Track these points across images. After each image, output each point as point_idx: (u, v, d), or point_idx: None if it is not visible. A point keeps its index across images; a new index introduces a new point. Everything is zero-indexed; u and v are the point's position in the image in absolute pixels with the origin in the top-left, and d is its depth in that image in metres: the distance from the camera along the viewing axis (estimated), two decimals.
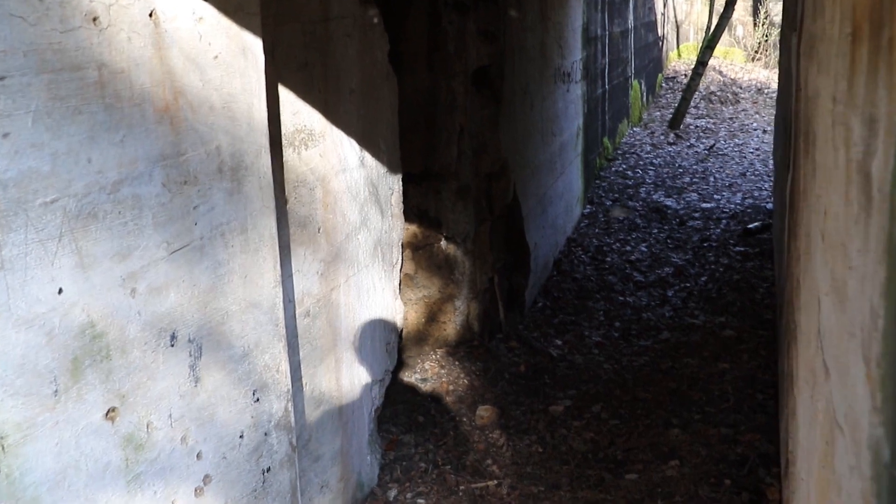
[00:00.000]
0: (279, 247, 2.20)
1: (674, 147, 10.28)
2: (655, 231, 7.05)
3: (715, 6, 12.63)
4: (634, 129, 11.61)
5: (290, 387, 2.23)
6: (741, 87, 16.56)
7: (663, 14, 17.44)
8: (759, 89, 16.38)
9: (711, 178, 8.63)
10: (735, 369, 4.27)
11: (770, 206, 7.52)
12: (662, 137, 10.93)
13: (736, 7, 11.14)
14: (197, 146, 1.80)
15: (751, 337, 4.72)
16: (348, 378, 2.96)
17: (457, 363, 4.57)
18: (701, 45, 12.03)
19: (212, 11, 1.86)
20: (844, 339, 1.13)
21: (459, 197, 4.57)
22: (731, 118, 12.93)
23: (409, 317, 4.67)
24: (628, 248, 6.64)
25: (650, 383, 4.24)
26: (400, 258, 3.59)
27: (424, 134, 4.40)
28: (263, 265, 2.07)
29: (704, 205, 7.67)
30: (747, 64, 18.94)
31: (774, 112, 6.92)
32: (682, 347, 4.66)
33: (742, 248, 6.49)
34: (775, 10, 19.77)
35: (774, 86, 16.64)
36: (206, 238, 1.83)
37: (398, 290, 3.62)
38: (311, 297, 2.61)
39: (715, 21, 12.62)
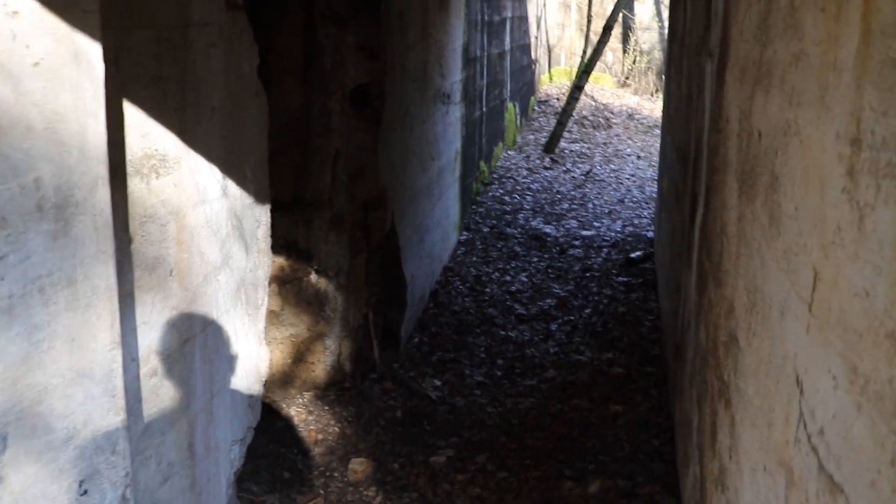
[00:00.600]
0: (120, 296, 1.83)
1: (550, 172, 10.30)
2: (536, 260, 6.94)
3: (589, 33, 12.85)
4: (509, 152, 11.60)
5: (129, 469, 1.85)
6: (613, 113, 16.98)
7: (536, 38, 17.73)
8: (630, 115, 16.83)
9: (590, 205, 8.65)
10: (628, 412, 4.14)
11: (651, 234, 7.57)
12: (538, 161, 10.95)
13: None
14: (6, 178, 1.43)
15: (640, 375, 4.62)
16: (203, 442, 2.58)
17: (327, 408, 4.23)
18: (577, 69, 12.20)
19: (32, 5, 1.49)
20: (870, 450, 0.91)
21: (333, 227, 4.26)
22: (604, 143, 13.16)
23: (275, 357, 4.29)
24: (508, 277, 6.49)
25: (539, 429, 4.03)
26: (266, 298, 3.24)
27: (296, 158, 4.06)
28: (97, 324, 1.70)
29: (584, 232, 7.65)
30: (618, 90, 19.53)
31: (660, 140, 6.97)
32: (570, 387, 4.50)
33: (625, 279, 6.46)
34: (644, 38, 20.52)
35: (645, 111, 17.16)
36: (17, 296, 1.45)
37: (263, 334, 3.26)
38: (160, 354, 2.24)
39: (590, 47, 12.85)
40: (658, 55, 21.14)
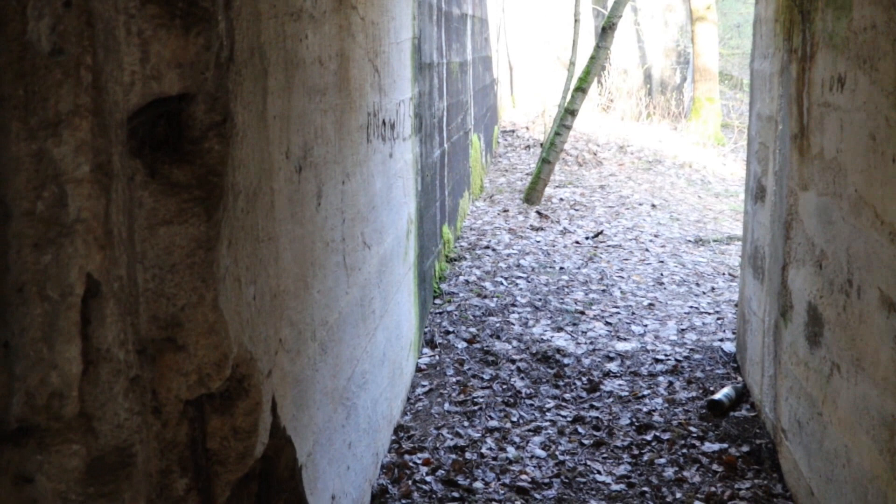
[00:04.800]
0: None
1: (542, 234, 7.85)
2: (551, 404, 4.44)
3: (577, 38, 10.56)
4: (478, 203, 9.15)
5: None
6: (599, 144, 14.74)
7: (497, 51, 15.46)
8: (621, 146, 14.61)
9: (616, 291, 6.20)
10: None
11: (730, 346, 5.12)
12: (521, 218, 8.51)
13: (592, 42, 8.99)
14: None
15: None
16: None
17: None
18: (569, 84, 9.86)
19: None
20: None
21: (101, 479, 1.71)
22: (600, 186, 10.82)
23: None
24: (510, 450, 3.98)
25: None
26: None
27: None
28: None
29: (621, 345, 5.17)
30: (597, 114, 17.31)
31: (749, 176, 4.54)
32: None
33: (717, 446, 4.00)
34: (621, 50, 18.39)
35: (637, 141, 14.97)
36: None
37: None
38: None
39: (579, 53, 10.53)
40: (638, 72, 19.08)
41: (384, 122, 3.79)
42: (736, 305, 5.79)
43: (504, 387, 4.62)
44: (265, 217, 2.11)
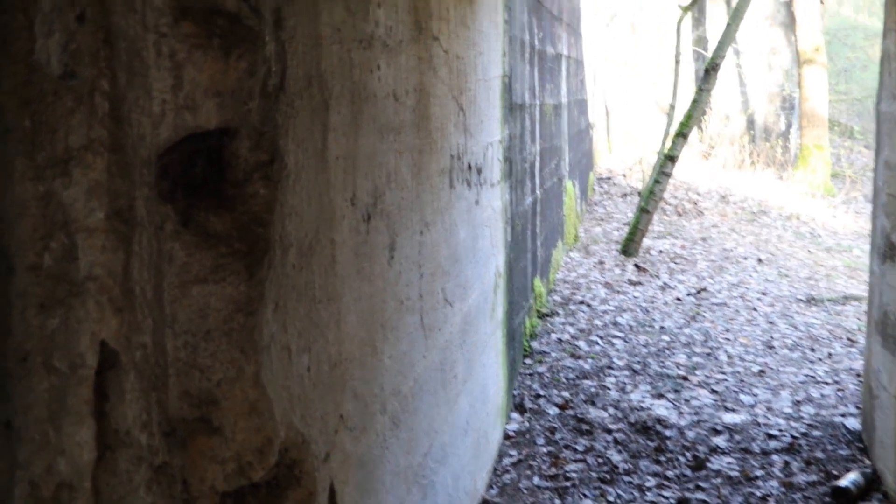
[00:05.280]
0: None
1: (640, 289, 7.46)
2: (652, 483, 4.04)
3: (677, 80, 10.20)
4: (572, 254, 8.81)
5: None
6: (699, 194, 14.25)
7: (592, 94, 15.18)
8: (723, 196, 14.09)
9: (722, 355, 5.76)
10: None
11: (855, 423, 4.65)
12: (618, 271, 8.13)
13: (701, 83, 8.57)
14: None
15: None
16: None
17: None
18: (668, 129, 9.50)
19: None
20: None
21: None
22: (702, 238, 10.36)
23: None
24: None
25: None
26: None
27: None
28: None
29: (729, 417, 4.74)
30: (697, 161, 16.80)
31: (877, 232, 4.11)
32: None
33: None
34: (723, 93, 17.89)
35: (740, 191, 14.42)
36: None
37: None
38: None
39: (679, 93, 10.16)
40: (741, 118, 18.49)
41: (470, 166, 3.53)
42: (858, 376, 5.31)
43: (599, 460, 4.25)
44: (324, 274, 1.85)
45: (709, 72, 8.30)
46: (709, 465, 4.21)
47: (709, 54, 10.18)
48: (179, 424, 1.53)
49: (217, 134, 1.51)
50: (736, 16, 8.08)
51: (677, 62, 10.00)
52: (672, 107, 9.88)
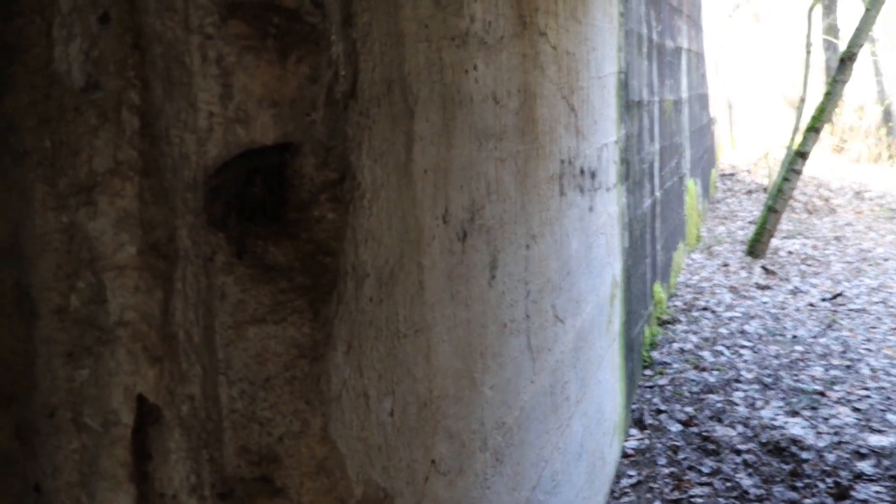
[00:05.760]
0: None
1: (769, 294, 6.99)
2: None
3: (808, 71, 9.59)
4: (694, 256, 8.37)
5: None
6: (831, 190, 13.49)
7: (713, 88, 14.56)
8: (858, 192, 13.30)
9: (864, 368, 5.29)
10: None
11: None
12: (744, 274, 7.66)
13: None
14: None
15: None
16: None
17: None
18: (798, 124, 8.94)
19: None
20: None
21: None
22: (835, 237, 9.73)
23: None
24: None
25: None
26: None
27: None
28: None
29: (875, 439, 4.31)
30: (827, 156, 15.93)
31: None
32: None
33: None
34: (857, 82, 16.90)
35: (877, 187, 13.58)
36: None
37: None
38: None
39: (809, 85, 9.55)
40: (876, 109, 17.41)
41: (582, 171, 3.25)
42: None
43: (727, 484, 3.91)
44: (409, 303, 1.62)
45: (844, 62, 7.73)
46: (853, 493, 3.81)
47: (840, 43, 9.53)
48: (237, 485, 1.32)
49: (276, 150, 1.30)
50: (876, 1, 7.50)
51: (808, 52, 9.42)
52: (802, 100, 9.31)
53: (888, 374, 5.16)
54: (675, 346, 5.60)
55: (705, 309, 6.45)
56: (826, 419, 4.52)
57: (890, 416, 4.56)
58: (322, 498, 1.36)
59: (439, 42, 1.76)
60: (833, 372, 5.20)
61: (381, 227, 1.49)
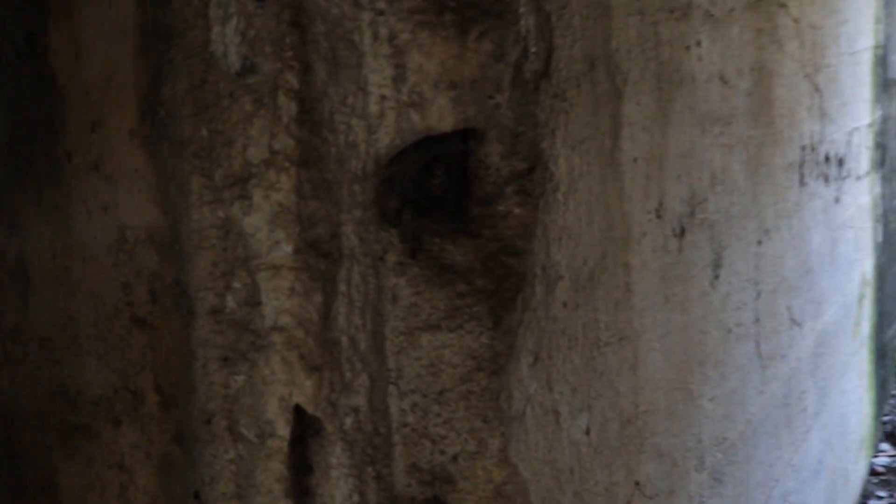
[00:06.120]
0: None
1: None
2: None
3: None
4: None
5: None
6: None
7: None
8: None
9: None
10: None
11: None
12: None
13: None
14: None
15: None
16: None
17: None
18: None
19: None
20: None
21: None
22: None
23: None
24: None
25: None
26: None
27: None
28: None
29: None
30: None
31: None
32: None
33: None
34: None
35: None
36: None
37: None
38: None
39: None
40: None
41: (827, 158, 2.90)
42: None
43: None
44: (612, 308, 1.43)
45: None
46: None
47: None
48: None
49: (457, 137, 1.15)
50: None
51: None
52: None
53: None
54: None
55: None
56: None
57: None
58: None
59: (655, 14, 1.55)
60: None
61: (579, 223, 1.31)
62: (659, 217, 1.62)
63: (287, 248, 1.01)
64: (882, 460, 3.92)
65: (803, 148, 2.58)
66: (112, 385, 1.23)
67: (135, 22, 1.06)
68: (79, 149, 1.18)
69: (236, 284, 1.04)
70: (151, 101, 1.07)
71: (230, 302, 1.05)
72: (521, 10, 1.13)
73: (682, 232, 1.73)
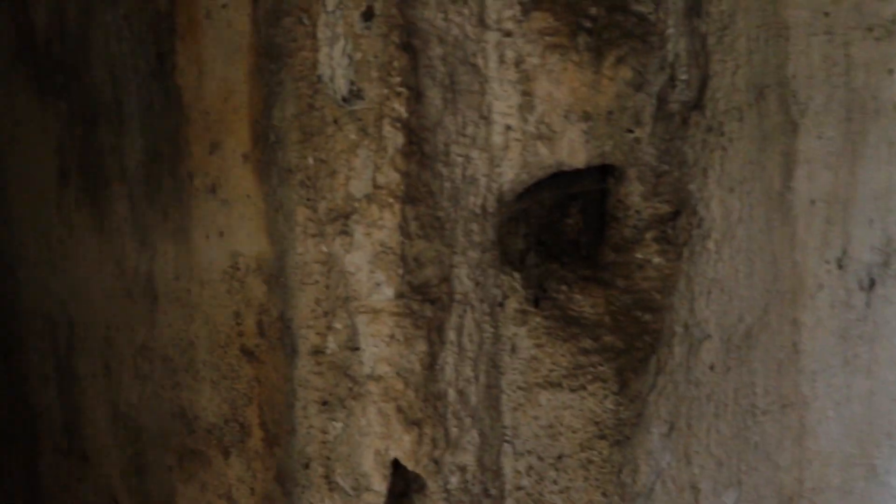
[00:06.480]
0: None
1: None
2: None
3: None
4: None
5: None
6: None
7: None
8: None
9: None
10: None
11: None
12: None
13: None
14: None
15: None
16: None
17: None
18: None
19: None
20: None
21: None
22: None
23: None
24: None
25: None
26: None
27: None
28: None
29: None
30: None
31: None
32: None
33: None
34: None
35: None
36: None
37: None
38: None
39: None
40: None
41: None
42: None
43: None
44: (774, 372, 1.26)
45: None
46: None
47: None
48: None
49: (593, 174, 1.03)
50: None
51: None
52: None
53: None
54: None
55: None
56: None
57: None
58: None
59: (847, 34, 1.36)
60: None
61: (736, 274, 1.15)
62: (840, 267, 1.41)
63: (388, 292, 0.92)
64: None
65: None
66: (223, 415, 1.18)
67: (249, 41, 1.01)
68: (199, 170, 1.14)
69: (337, 325, 0.96)
70: (263, 125, 1.02)
71: (331, 343, 0.97)
72: (669, 31, 1.00)
73: (872, 285, 1.51)
